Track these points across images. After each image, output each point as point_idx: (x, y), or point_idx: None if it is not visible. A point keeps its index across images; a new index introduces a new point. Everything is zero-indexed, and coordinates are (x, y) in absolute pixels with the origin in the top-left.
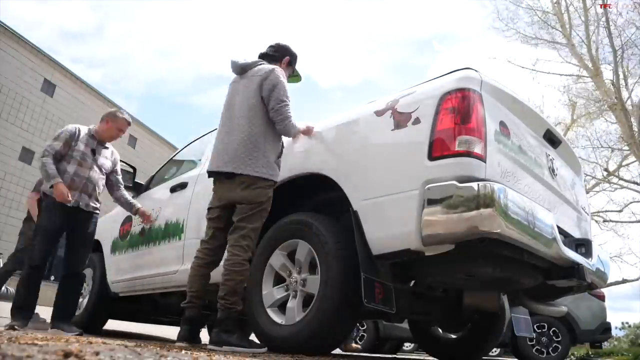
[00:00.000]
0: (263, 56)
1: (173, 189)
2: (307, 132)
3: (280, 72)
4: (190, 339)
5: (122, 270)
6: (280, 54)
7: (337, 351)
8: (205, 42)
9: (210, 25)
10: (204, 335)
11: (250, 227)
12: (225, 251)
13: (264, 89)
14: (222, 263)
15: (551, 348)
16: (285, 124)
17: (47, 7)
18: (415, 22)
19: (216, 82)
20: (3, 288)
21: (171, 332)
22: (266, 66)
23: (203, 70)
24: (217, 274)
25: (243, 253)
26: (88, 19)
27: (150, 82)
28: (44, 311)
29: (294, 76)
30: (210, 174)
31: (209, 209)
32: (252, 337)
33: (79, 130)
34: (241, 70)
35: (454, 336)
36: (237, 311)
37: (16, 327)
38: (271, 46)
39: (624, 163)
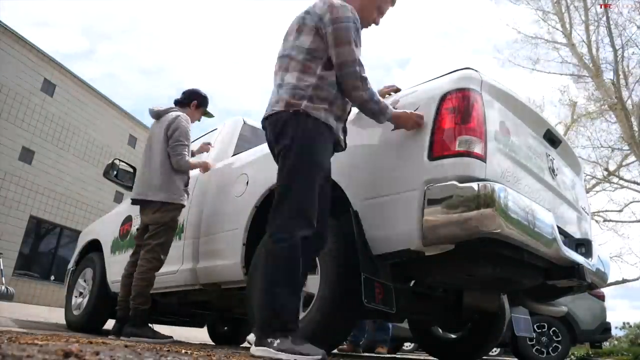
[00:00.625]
0: (176, 102)
1: None
2: (202, 166)
3: (183, 118)
4: (120, 333)
5: (122, 270)
6: (188, 100)
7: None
8: (189, 63)
9: (192, 47)
10: (204, 336)
11: (154, 242)
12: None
13: (169, 132)
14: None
15: (551, 348)
16: (177, 159)
17: (41, 31)
18: (380, 47)
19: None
20: (3, 288)
21: (171, 331)
22: (174, 113)
23: (186, 88)
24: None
25: (147, 264)
26: (80, 42)
27: (137, 99)
28: (44, 311)
29: (207, 114)
30: (133, 201)
31: (137, 229)
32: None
33: None
34: (157, 115)
35: (453, 336)
36: (143, 310)
37: None
38: (182, 93)
39: (624, 163)
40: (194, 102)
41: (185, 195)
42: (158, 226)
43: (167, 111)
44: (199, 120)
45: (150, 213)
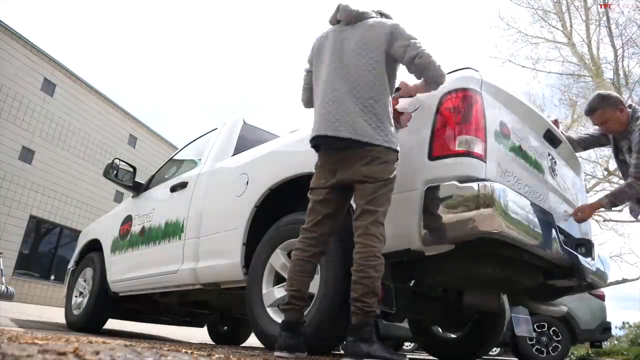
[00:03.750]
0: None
1: (173, 189)
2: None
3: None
4: (293, 347)
5: (122, 270)
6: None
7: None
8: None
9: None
10: (204, 336)
11: (382, 210)
12: (355, 243)
13: (393, 43)
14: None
15: (551, 347)
16: (431, 62)
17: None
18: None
19: None
20: (3, 287)
21: (171, 331)
22: (386, 19)
23: None
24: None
25: (377, 243)
26: None
27: None
28: (44, 311)
29: None
30: (321, 139)
31: (312, 188)
32: None
33: None
34: (354, 18)
35: (453, 336)
36: (375, 316)
37: None
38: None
39: None
40: None
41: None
42: (382, 184)
43: (369, 15)
44: None
45: (360, 164)
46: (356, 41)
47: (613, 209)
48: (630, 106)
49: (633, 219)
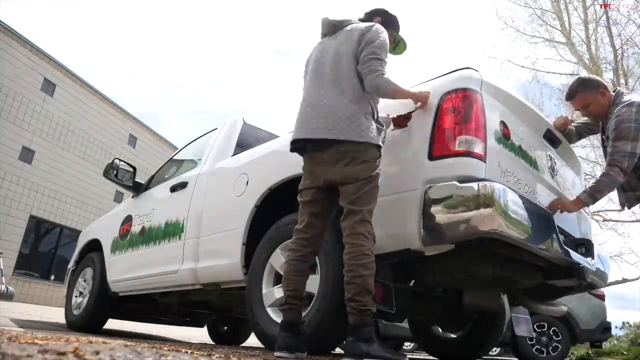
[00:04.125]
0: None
1: (173, 189)
2: (421, 98)
3: (382, 29)
4: (293, 347)
5: (122, 270)
6: (369, 17)
7: (338, 350)
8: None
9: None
10: (204, 336)
11: (366, 209)
12: (345, 243)
13: (361, 45)
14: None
15: (551, 347)
16: (373, 77)
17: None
18: None
19: None
20: (3, 287)
21: (171, 331)
22: (366, 23)
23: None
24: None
25: (365, 241)
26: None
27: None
28: (44, 311)
29: (399, 41)
30: (300, 142)
31: (300, 190)
32: None
33: None
34: (334, 27)
35: (453, 336)
36: (371, 314)
37: None
38: (365, 13)
39: None
40: (376, 18)
41: (380, 135)
42: (364, 183)
43: (350, 22)
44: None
45: (339, 165)
46: (334, 48)
47: (618, 205)
48: (615, 90)
49: (633, 219)
